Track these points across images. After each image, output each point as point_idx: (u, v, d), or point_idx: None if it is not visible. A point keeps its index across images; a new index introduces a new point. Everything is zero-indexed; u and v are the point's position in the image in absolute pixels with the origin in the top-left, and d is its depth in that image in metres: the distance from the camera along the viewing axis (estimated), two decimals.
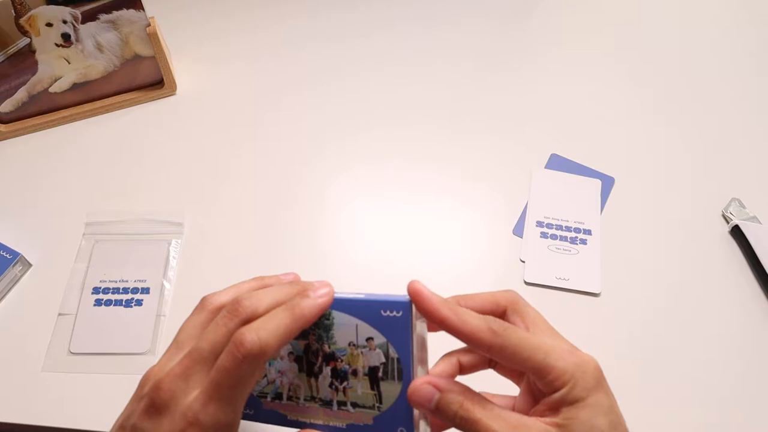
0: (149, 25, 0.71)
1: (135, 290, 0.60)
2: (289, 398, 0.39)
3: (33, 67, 0.70)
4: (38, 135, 0.74)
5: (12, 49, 0.68)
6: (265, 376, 0.40)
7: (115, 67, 0.74)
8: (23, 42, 0.68)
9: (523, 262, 0.63)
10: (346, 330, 0.38)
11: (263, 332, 0.32)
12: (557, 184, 0.70)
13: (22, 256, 0.61)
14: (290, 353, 0.39)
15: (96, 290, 0.60)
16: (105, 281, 0.61)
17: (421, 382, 0.34)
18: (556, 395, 0.34)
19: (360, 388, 0.38)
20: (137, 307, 0.59)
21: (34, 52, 0.69)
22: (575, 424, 0.33)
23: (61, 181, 0.70)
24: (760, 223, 0.65)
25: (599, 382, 0.34)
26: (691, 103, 0.78)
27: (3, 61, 0.68)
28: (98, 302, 0.59)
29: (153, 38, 0.72)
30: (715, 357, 0.58)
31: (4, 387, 0.55)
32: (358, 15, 0.88)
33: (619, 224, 0.66)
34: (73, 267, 0.62)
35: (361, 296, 0.37)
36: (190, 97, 0.78)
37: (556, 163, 0.72)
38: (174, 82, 0.77)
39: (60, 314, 0.59)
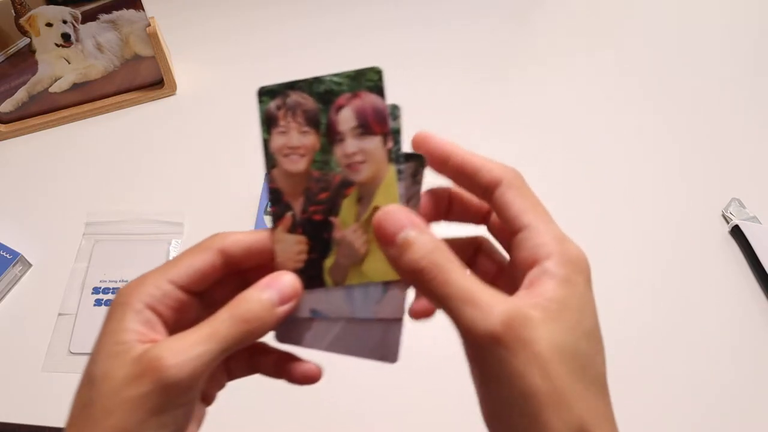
0: (149, 25, 0.71)
1: None
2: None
3: (33, 67, 0.70)
4: (38, 135, 0.74)
5: (12, 49, 0.68)
6: None
7: (115, 67, 0.74)
8: (23, 42, 0.68)
9: None
10: None
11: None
12: None
13: (22, 256, 0.61)
14: None
15: (96, 290, 0.60)
16: (105, 281, 0.61)
17: (396, 208, 0.29)
18: (542, 266, 0.27)
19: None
20: None
21: (34, 52, 0.69)
22: (561, 311, 0.26)
23: (61, 181, 0.70)
24: (760, 223, 0.65)
25: (589, 277, 0.29)
26: (691, 103, 0.78)
27: (3, 61, 0.68)
28: (98, 302, 0.59)
29: (153, 38, 0.72)
30: (715, 357, 0.58)
31: (4, 387, 0.55)
32: (359, 15, 0.88)
33: (618, 225, 0.66)
34: (73, 267, 0.62)
35: None
36: (190, 97, 0.78)
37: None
38: (174, 82, 0.77)
39: (60, 314, 0.59)
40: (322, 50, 0.83)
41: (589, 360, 0.27)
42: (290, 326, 0.31)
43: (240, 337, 0.28)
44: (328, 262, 0.30)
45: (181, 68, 0.80)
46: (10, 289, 0.61)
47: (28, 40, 0.68)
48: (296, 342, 0.31)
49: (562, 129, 0.75)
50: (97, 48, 0.71)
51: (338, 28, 0.86)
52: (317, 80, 0.30)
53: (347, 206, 0.30)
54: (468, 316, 0.26)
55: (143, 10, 0.70)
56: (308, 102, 0.31)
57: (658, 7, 0.90)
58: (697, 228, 0.66)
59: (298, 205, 0.31)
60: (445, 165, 0.31)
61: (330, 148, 0.30)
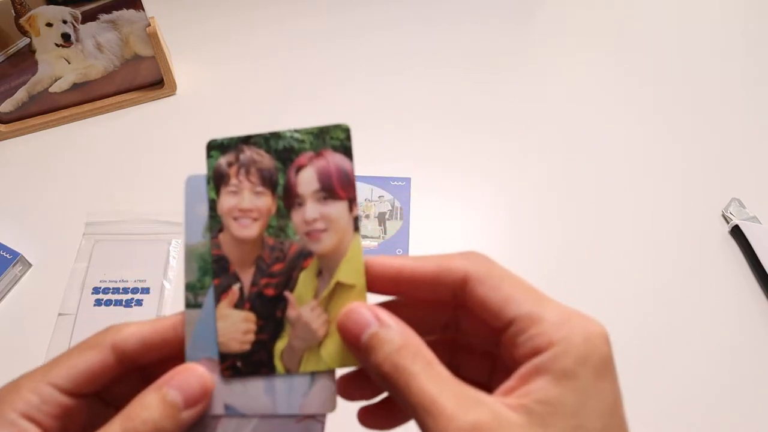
0: (149, 25, 0.71)
1: (135, 290, 0.60)
2: None
3: (33, 67, 0.70)
4: (38, 135, 0.74)
5: (12, 49, 0.68)
6: None
7: (115, 67, 0.74)
8: (23, 42, 0.68)
9: None
10: (363, 191, 0.61)
11: None
12: None
13: (22, 256, 0.61)
14: None
15: (96, 290, 0.60)
16: (105, 281, 0.61)
17: (359, 305, 0.25)
18: (537, 360, 0.22)
19: (370, 225, 0.61)
20: (137, 307, 0.59)
21: (34, 52, 0.69)
22: (552, 415, 0.21)
23: (61, 181, 0.70)
24: (760, 223, 0.65)
25: (606, 363, 0.23)
26: (691, 103, 0.78)
27: (3, 61, 0.68)
28: (98, 302, 0.59)
29: (153, 38, 0.72)
30: (715, 357, 0.58)
31: None
32: (359, 15, 0.88)
33: (618, 225, 0.66)
34: (73, 267, 0.62)
35: (374, 175, 0.64)
36: (190, 97, 0.78)
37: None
38: (174, 82, 0.77)
39: (60, 314, 0.59)
40: (322, 50, 0.83)
41: None
42: (190, 428, 0.26)
43: None
44: (280, 345, 0.26)
45: (181, 68, 0.80)
46: (10, 289, 0.61)
47: (28, 40, 0.68)
48: None
49: (562, 129, 0.75)
50: (97, 48, 0.71)
51: (338, 28, 0.86)
52: (275, 135, 0.27)
53: (305, 280, 0.26)
54: (428, 429, 0.21)
55: (143, 10, 0.70)
56: (264, 159, 0.27)
57: (658, 8, 0.90)
58: (697, 228, 0.66)
59: (247, 276, 0.26)
60: (399, 284, 0.26)
61: (287, 212, 0.26)
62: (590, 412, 0.22)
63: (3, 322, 0.59)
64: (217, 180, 0.27)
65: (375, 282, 0.26)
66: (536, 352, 0.23)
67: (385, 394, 0.27)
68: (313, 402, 0.26)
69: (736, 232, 0.65)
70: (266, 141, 0.27)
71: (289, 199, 0.27)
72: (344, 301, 0.26)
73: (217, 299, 0.26)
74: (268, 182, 0.27)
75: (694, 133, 0.75)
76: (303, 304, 0.26)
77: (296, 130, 0.27)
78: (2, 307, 0.60)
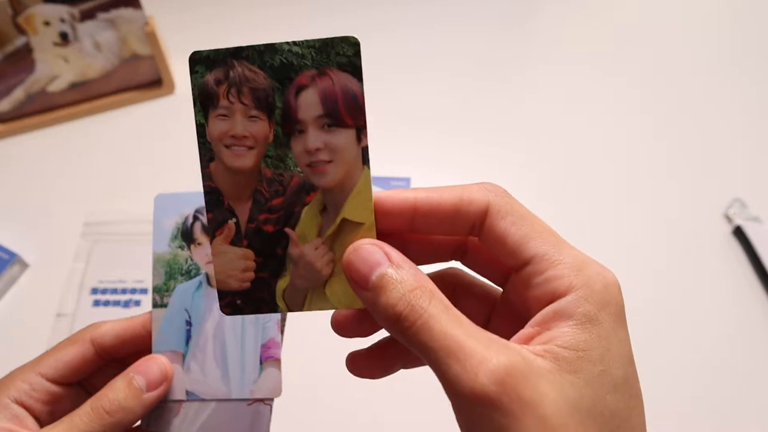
0: (147, 24, 0.71)
1: (133, 291, 0.60)
2: None
3: (31, 66, 0.70)
4: (36, 134, 0.74)
5: (10, 48, 0.67)
6: None
7: (113, 67, 0.73)
8: (21, 41, 0.67)
9: None
10: None
11: None
12: None
13: (19, 256, 0.61)
14: None
15: (94, 291, 0.60)
16: (104, 282, 0.60)
17: (367, 242, 0.23)
18: (557, 305, 0.22)
19: None
20: (135, 307, 0.59)
21: (31, 50, 0.68)
22: (580, 360, 0.21)
23: (59, 180, 0.69)
24: (763, 224, 0.65)
25: (622, 312, 0.23)
26: (692, 103, 0.78)
27: (0, 60, 0.68)
28: (97, 303, 0.59)
29: (151, 38, 0.71)
30: (718, 359, 0.57)
31: None
32: (358, 18, 0.87)
33: (619, 227, 0.66)
34: (71, 267, 0.62)
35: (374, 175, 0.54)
36: (189, 97, 0.77)
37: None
38: (172, 82, 0.76)
39: (58, 315, 0.58)
40: None
41: (619, 419, 0.21)
42: (157, 411, 0.29)
43: (102, 430, 0.27)
44: (282, 283, 0.24)
45: (179, 68, 0.79)
46: (7, 290, 0.61)
47: (25, 39, 0.67)
48: (162, 429, 0.30)
49: (562, 131, 0.74)
50: (95, 47, 0.71)
51: (337, 30, 0.85)
52: (270, 48, 0.23)
53: (308, 216, 0.24)
54: (453, 373, 0.20)
55: (142, 9, 0.70)
56: (259, 77, 0.23)
57: (656, 9, 0.90)
58: (699, 229, 0.66)
59: (243, 211, 0.24)
60: (413, 220, 0.24)
61: (287, 140, 0.24)
62: (613, 358, 0.22)
63: (0, 323, 0.59)
64: (204, 101, 0.23)
65: (386, 219, 0.24)
66: (555, 295, 0.22)
67: (376, 338, 0.27)
68: (262, 388, 0.30)
69: (739, 233, 0.65)
70: (260, 55, 0.23)
71: (288, 126, 0.23)
72: (351, 239, 0.24)
73: (212, 235, 0.24)
74: (264, 105, 0.23)
75: (695, 134, 0.75)
76: (306, 242, 0.24)
77: (295, 43, 0.23)
78: None
